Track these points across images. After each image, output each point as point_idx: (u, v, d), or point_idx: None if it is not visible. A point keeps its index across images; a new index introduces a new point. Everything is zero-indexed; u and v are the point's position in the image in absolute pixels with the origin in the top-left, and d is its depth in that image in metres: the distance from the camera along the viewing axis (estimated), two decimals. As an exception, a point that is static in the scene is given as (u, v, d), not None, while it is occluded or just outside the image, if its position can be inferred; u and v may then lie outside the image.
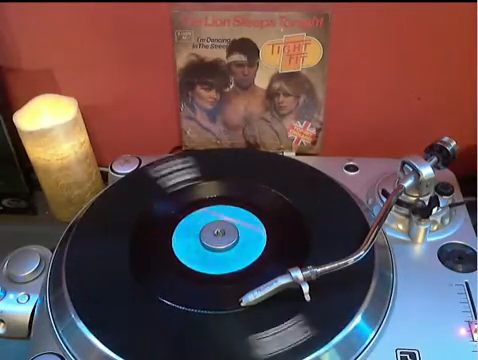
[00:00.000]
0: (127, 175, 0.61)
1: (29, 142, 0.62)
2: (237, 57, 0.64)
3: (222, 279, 0.47)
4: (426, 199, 0.51)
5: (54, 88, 0.67)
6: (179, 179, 0.58)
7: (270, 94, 0.66)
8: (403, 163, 0.52)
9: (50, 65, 0.67)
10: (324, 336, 0.40)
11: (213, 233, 0.51)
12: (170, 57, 0.65)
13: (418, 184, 0.51)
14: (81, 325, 0.42)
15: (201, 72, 0.65)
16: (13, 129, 0.62)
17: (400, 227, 0.54)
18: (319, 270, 0.42)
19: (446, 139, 0.54)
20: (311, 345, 0.40)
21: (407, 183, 0.50)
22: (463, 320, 0.44)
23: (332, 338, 0.40)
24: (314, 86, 0.65)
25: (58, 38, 0.65)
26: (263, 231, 0.52)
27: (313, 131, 0.68)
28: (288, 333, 0.41)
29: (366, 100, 0.67)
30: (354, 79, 0.65)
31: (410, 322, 0.44)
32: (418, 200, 0.51)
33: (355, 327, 0.41)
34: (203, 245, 0.50)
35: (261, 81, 0.65)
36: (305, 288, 0.41)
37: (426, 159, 0.52)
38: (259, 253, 0.50)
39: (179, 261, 0.49)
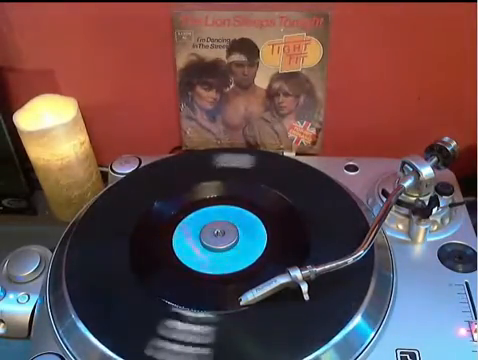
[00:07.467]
0: (127, 175, 0.61)
1: (29, 142, 0.62)
2: (237, 57, 0.64)
3: (222, 279, 0.47)
4: (426, 199, 0.51)
5: (54, 88, 0.67)
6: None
7: (270, 94, 0.66)
8: (403, 163, 0.52)
9: (50, 65, 0.67)
10: (324, 336, 0.40)
11: (213, 233, 0.51)
12: (170, 57, 0.65)
13: (418, 184, 0.51)
14: (81, 325, 0.42)
15: (201, 72, 0.65)
16: (13, 129, 0.62)
17: (400, 227, 0.54)
18: (318, 269, 0.42)
19: (446, 139, 0.54)
20: (311, 345, 0.40)
21: (407, 183, 0.50)
22: (463, 320, 0.44)
23: (332, 338, 0.40)
24: (314, 86, 0.65)
25: (58, 38, 0.65)
26: (263, 231, 0.52)
27: (313, 131, 0.68)
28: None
29: (366, 100, 0.67)
30: (354, 79, 0.65)
31: (410, 322, 0.44)
32: (418, 200, 0.51)
33: (355, 327, 0.41)
34: (203, 245, 0.50)
35: (261, 81, 0.65)
36: (304, 287, 0.41)
37: (426, 159, 0.52)
38: (259, 253, 0.50)
39: (179, 261, 0.49)
